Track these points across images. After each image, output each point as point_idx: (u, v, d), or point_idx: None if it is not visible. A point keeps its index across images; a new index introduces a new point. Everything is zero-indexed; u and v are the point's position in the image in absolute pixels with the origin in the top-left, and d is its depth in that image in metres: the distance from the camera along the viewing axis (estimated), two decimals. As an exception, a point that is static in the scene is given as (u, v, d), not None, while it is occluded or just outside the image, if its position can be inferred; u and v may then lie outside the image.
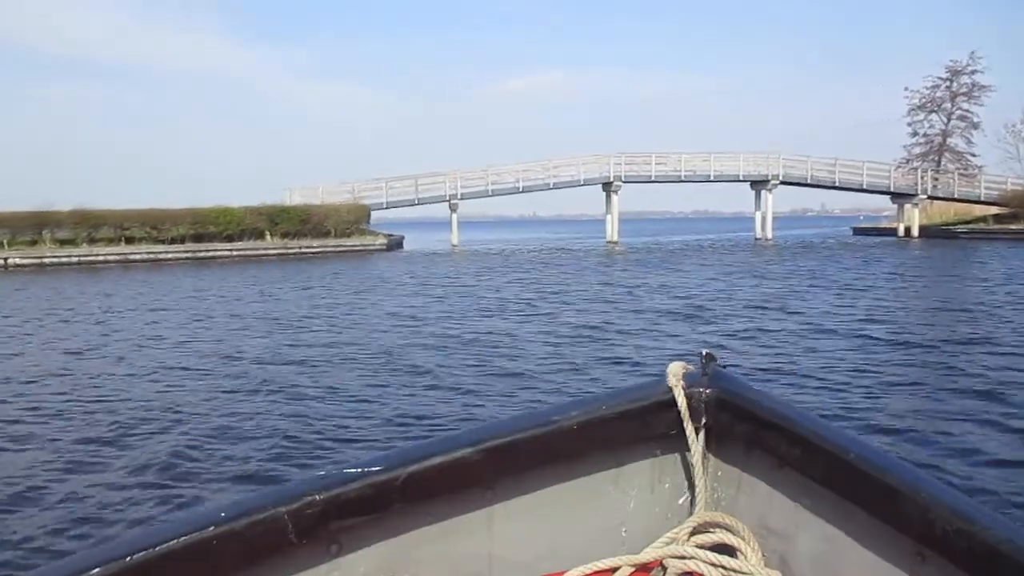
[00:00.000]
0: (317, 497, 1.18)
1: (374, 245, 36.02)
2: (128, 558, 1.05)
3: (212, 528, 1.11)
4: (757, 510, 1.38)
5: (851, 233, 50.29)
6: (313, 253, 33.91)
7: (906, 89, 49.91)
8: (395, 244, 40.53)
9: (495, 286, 18.14)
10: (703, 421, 1.40)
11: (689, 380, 1.40)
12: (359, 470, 1.23)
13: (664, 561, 1.30)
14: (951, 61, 47.65)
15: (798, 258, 26.72)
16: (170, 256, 31.28)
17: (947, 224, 42.10)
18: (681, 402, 1.38)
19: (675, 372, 1.41)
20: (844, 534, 1.25)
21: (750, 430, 1.36)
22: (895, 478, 1.15)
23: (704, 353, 1.45)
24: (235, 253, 32.54)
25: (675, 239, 49.54)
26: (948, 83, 48.11)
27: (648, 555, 1.32)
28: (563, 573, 1.32)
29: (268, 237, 34.09)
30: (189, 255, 31.62)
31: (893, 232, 43.58)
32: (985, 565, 1.03)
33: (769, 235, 41.48)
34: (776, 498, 1.36)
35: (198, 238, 32.89)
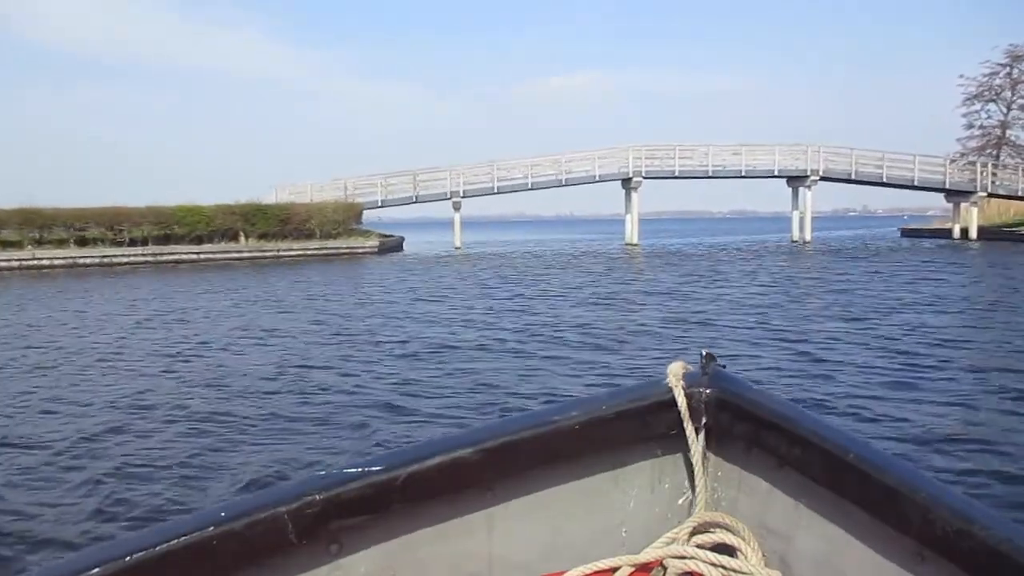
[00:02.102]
0: (317, 497, 1.18)
1: (364, 247, 32.29)
2: (128, 558, 1.05)
3: (212, 528, 1.11)
4: (757, 510, 1.38)
5: (899, 235, 45.55)
6: (293, 257, 30.31)
7: (961, 76, 45.29)
8: (392, 246, 36.83)
9: (498, 309, 14.28)
10: (703, 421, 1.40)
11: (689, 380, 1.41)
12: (359, 470, 1.23)
13: (664, 561, 1.30)
14: (1011, 45, 43.03)
15: (844, 265, 22.49)
16: (126, 260, 27.80)
17: (1009, 225, 37.30)
18: (681, 402, 1.38)
19: (675, 372, 1.41)
20: (844, 534, 1.25)
21: (750, 430, 1.36)
22: (895, 478, 1.15)
23: (704, 353, 1.44)
24: (202, 257, 29.01)
25: (704, 241, 45.22)
26: (1008, 69, 43.45)
27: (648, 555, 1.32)
28: (563, 573, 1.32)
29: (242, 239, 30.50)
30: (150, 259, 28.14)
31: (947, 233, 38.84)
32: (985, 565, 1.02)
33: (807, 237, 37.07)
34: (776, 498, 1.36)
35: (164, 240, 29.43)
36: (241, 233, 30.54)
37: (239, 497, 1.42)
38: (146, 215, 29.03)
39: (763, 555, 1.30)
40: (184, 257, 28.74)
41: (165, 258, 28.38)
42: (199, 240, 29.91)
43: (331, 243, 31.63)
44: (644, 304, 13.28)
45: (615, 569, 1.31)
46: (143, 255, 28.17)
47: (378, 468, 1.23)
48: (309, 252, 30.92)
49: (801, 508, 1.31)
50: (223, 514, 1.13)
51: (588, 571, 1.31)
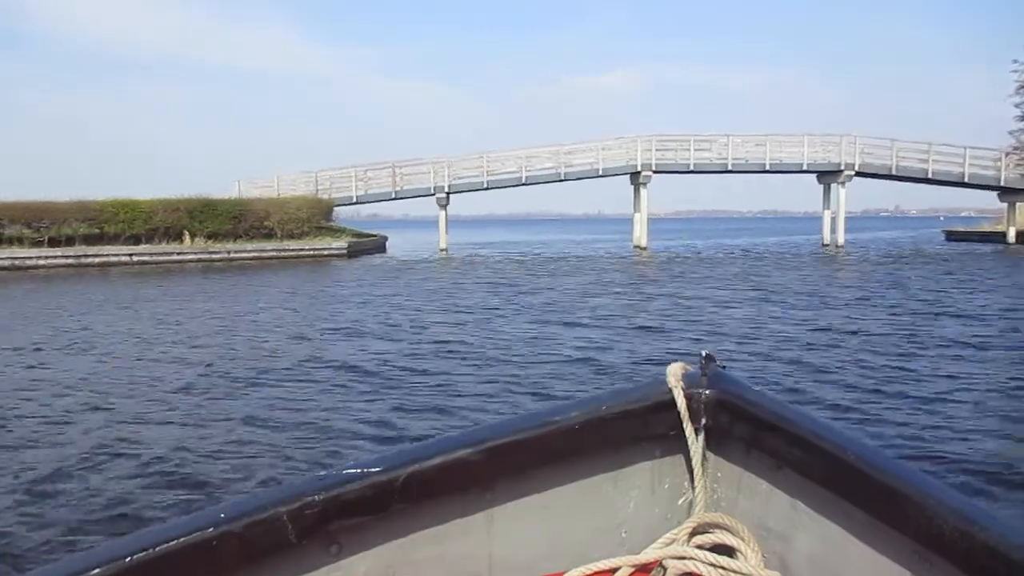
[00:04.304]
0: (317, 498, 1.17)
1: (330, 249, 28.21)
2: (128, 558, 1.04)
3: (212, 529, 1.10)
4: (756, 510, 1.38)
5: (943, 238, 40.80)
6: (246, 260, 26.34)
7: (1015, 62, 40.38)
8: (370, 247, 32.76)
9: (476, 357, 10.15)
10: (703, 422, 1.40)
11: (688, 381, 1.40)
12: (359, 471, 1.22)
13: (664, 562, 1.30)
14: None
15: (888, 276, 18.11)
16: (43, 262, 23.89)
17: (1070, 229, 32.53)
18: (681, 403, 1.38)
19: (675, 373, 1.40)
20: (843, 534, 1.24)
21: (749, 431, 1.36)
22: (894, 478, 1.14)
23: (704, 354, 1.44)
24: (136, 259, 25.09)
25: (725, 243, 40.76)
26: (1070, 52, 38.50)
27: (648, 556, 1.32)
28: (563, 574, 1.32)
29: (187, 239, 26.54)
30: (72, 261, 24.24)
31: (999, 237, 34.14)
32: (984, 565, 1.02)
33: (840, 240, 32.56)
34: (775, 498, 1.36)
35: (96, 239, 25.56)
36: (186, 232, 26.56)
37: (239, 498, 1.22)
38: (71, 211, 25.12)
39: (762, 556, 1.30)
40: (114, 259, 24.84)
41: (90, 260, 24.49)
42: (137, 240, 26.01)
43: (292, 244, 27.61)
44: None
45: (615, 570, 1.31)
46: (64, 257, 24.26)
47: (378, 469, 1.23)
48: (266, 254, 26.93)
49: (800, 508, 1.31)
50: (223, 515, 1.12)
51: (588, 571, 1.30)
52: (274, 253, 27.12)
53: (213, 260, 26.08)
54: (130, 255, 25.13)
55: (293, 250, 27.44)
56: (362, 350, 8.86)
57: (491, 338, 9.48)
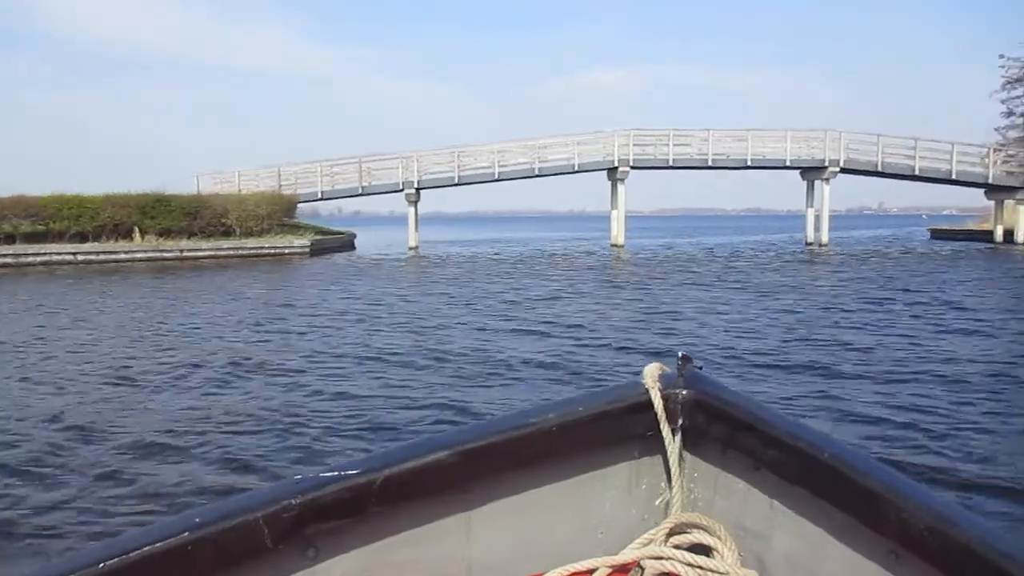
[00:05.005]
0: (293, 501, 1.16)
1: (292, 247, 26.84)
2: (101, 564, 1.02)
3: (187, 534, 1.08)
4: (733, 510, 1.38)
5: (928, 237, 39.87)
6: (201, 258, 24.94)
7: (1002, 57, 39.53)
8: (336, 245, 31.46)
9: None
10: (680, 422, 1.39)
11: (665, 382, 1.40)
12: (336, 474, 1.21)
13: (642, 562, 1.30)
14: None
15: (878, 281, 16.98)
16: (-24, 262, 22.39)
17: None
18: (658, 404, 1.38)
19: (652, 374, 1.40)
20: (820, 533, 1.25)
21: (726, 431, 1.36)
22: (869, 478, 1.15)
23: (680, 355, 1.43)
24: (81, 258, 23.62)
25: (705, 241, 39.64)
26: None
27: (626, 556, 1.31)
28: (541, 575, 1.31)
29: (138, 236, 25.09)
30: (9, 260, 22.71)
31: (986, 236, 33.21)
32: (958, 563, 1.03)
33: (824, 239, 31.48)
34: (752, 498, 1.36)
35: (40, 237, 24.08)
36: (137, 229, 25.11)
37: (215, 503, 1.17)
38: (11, 207, 23.58)
39: (739, 555, 1.30)
40: (57, 258, 23.34)
41: (31, 260, 22.99)
42: (84, 238, 24.55)
43: (250, 242, 26.22)
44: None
45: (593, 570, 1.30)
46: (1, 256, 22.75)
47: (355, 472, 1.21)
48: (222, 253, 25.53)
49: (777, 508, 1.31)
50: (198, 520, 1.11)
51: (566, 572, 1.30)
52: (231, 252, 25.72)
53: (165, 259, 24.65)
54: (74, 254, 23.64)
55: (252, 248, 26.06)
56: (284, 361, 7.57)
57: (432, 350, 8.20)
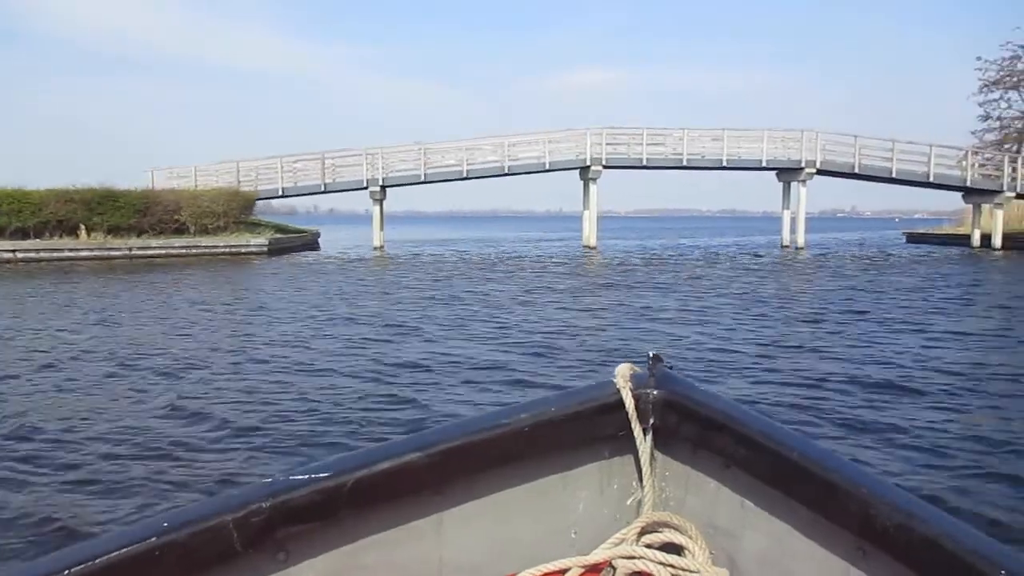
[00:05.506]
0: (263, 504, 1.15)
1: (248, 246, 25.64)
2: (66, 571, 1.00)
3: (154, 538, 1.07)
4: (704, 509, 1.38)
5: (904, 240, 39.37)
6: (150, 257, 23.68)
7: (979, 59, 39.17)
8: (298, 244, 30.30)
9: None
10: (651, 422, 1.39)
11: (636, 382, 1.39)
12: (306, 476, 1.19)
13: (613, 562, 1.29)
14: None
15: (864, 288, 16.17)
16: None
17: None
18: (629, 403, 1.37)
19: (623, 374, 1.40)
20: (789, 531, 1.25)
21: (697, 430, 1.35)
22: (837, 475, 1.15)
23: (651, 355, 1.43)
24: (20, 256, 22.28)
25: (680, 244, 38.86)
26: (1034, 51, 37.33)
27: (598, 556, 1.31)
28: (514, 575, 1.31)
29: (83, 233, 23.77)
30: (-60, 259, 21.37)
31: (963, 240, 32.68)
32: (924, 558, 1.03)
33: (800, 241, 30.80)
34: (723, 497, 1.36)
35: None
36: (82, 226, 23.79)
37: (182, 507, 1.16)
38: (-57, 200, 22.22)
39: (711, 553, 1.30)
40: (-7, 256, 22.01)
41: (-37, 257, 21.64)
42: (25, 235, 23.20)
43: (204, 240, 24.97)
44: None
45: (565, 571, 1.30)
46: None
47: (325, 474, 1.20)
48: (174, 251, 24.28)
49: (747, 506, 1.31)
50: (166, 524, 1.09)
51: (538, 573, 1.29)
52: (183, 250, 24.48)
53: (112, 257, 23.37)
54: (13, 251, 22.29)
55: (206, 247, 24.83)
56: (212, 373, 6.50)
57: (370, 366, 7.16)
